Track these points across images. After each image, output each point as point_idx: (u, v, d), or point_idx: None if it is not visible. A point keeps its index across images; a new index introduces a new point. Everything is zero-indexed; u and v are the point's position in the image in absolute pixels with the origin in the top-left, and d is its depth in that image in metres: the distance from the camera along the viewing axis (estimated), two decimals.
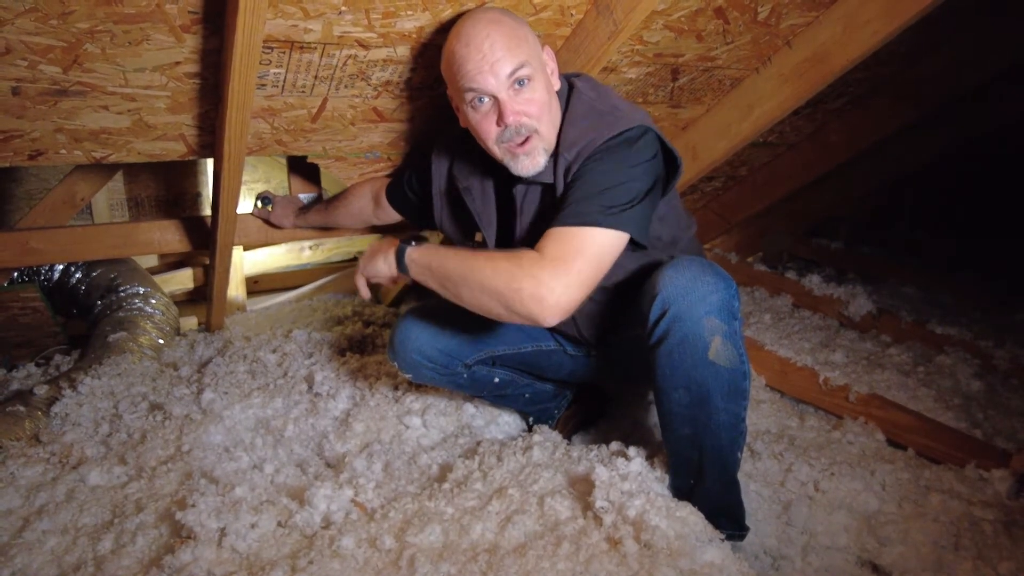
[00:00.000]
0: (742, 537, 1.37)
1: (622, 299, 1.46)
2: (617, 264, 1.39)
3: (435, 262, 1.31)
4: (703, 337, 1.21)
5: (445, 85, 1.39)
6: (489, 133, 1.31)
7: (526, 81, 1.27)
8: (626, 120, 1.29)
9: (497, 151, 1.33)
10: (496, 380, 1.70)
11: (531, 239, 1.42)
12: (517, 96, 1.27)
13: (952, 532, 1.37)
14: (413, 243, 1.37)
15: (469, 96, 1.29)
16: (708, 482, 1.32)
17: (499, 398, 1.77)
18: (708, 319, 1.20)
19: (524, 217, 1.42)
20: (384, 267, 1.40)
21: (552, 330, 1.67)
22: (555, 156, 1.33)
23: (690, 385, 1.24)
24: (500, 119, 1.28)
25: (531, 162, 1.32)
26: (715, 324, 1.21)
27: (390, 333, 1.66)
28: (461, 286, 1.27)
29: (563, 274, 1.19)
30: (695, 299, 1.21)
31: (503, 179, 1.46)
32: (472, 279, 1.25)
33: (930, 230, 3.72)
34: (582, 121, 1.32)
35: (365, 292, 1.49)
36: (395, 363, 1.63)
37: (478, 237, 1.53)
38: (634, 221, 1.25)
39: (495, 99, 1.28)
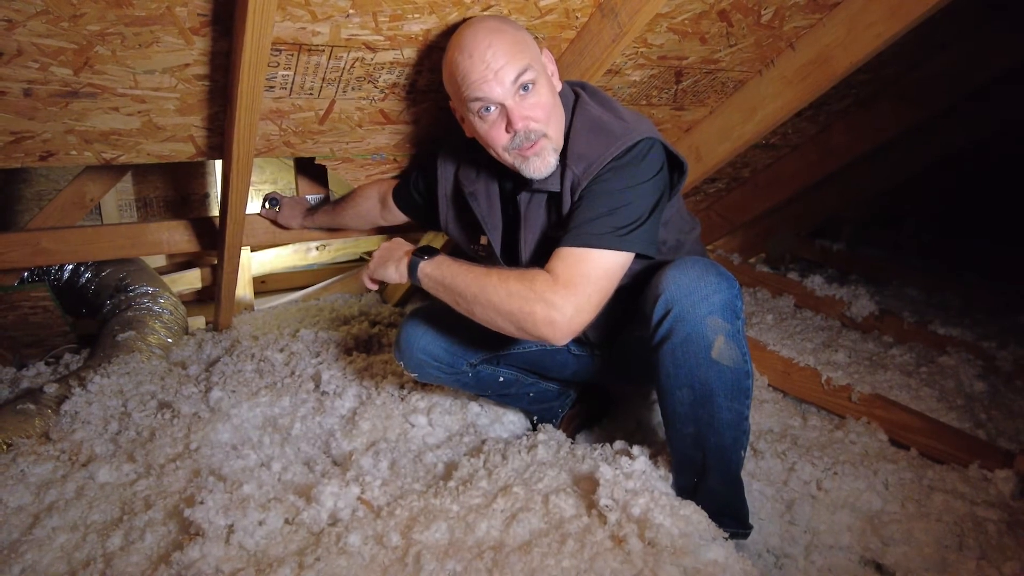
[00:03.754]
0: (746, 536, 1.37)
1: (626, 300, 1.46)
2: None
3: (448, 279, 1.33)
4: (706, 336, 1.22)
5: None
6: (499, 141, 1.31)
7: (531, 85, 1.28)
8: (632, 133, 1.29)
9: (508, 157, 1.34)
10: (501, 379, 1.72)
11: (536, 246, 1.44)
12: (523, 101, 1.28)
13: (956, 532, 1.38)
14: (426, 257, 1.38)
15: (476, 106, 1.30)
16: (711, 481, 1.33)
17: (503, 397, 1.78)
18: (711, 318, 1.21)
19: (528, 224, 1.43)
20: (395, 275, 1.42)
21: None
22: (563, 166, 1.34)
23: (693, 384, 1.25)
24: (509, 126, 1.29)
25: (542, 163, 1.32)
26: (718, 323, 1.22)
27: (396, 333, 1.67)
28: (474, 304, 1.30)
29: (574, 297, 1.22)
30: (698, 299, 1.22)
31: (509, 184, 1.47)
32: (485, 299, 1.27)
33: (933, 231, 3.71)
34: (589, 134, 1.32)
35: (371, 286, 1.52)
36: (401, 362, 1.64)
37: (483, 240, 1.55)
38: (641, 240, 1.27)
39: (502, 107, 1.28)
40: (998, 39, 2.18)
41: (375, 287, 1.53)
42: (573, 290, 1.23)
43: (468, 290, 1.30)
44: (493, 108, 1.29)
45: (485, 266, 1.32)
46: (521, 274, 1.27)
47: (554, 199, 1.38)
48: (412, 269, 1.38)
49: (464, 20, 1.40)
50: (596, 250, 1.25)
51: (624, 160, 1.28)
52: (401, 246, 1.46)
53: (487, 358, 1.67)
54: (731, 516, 1.34)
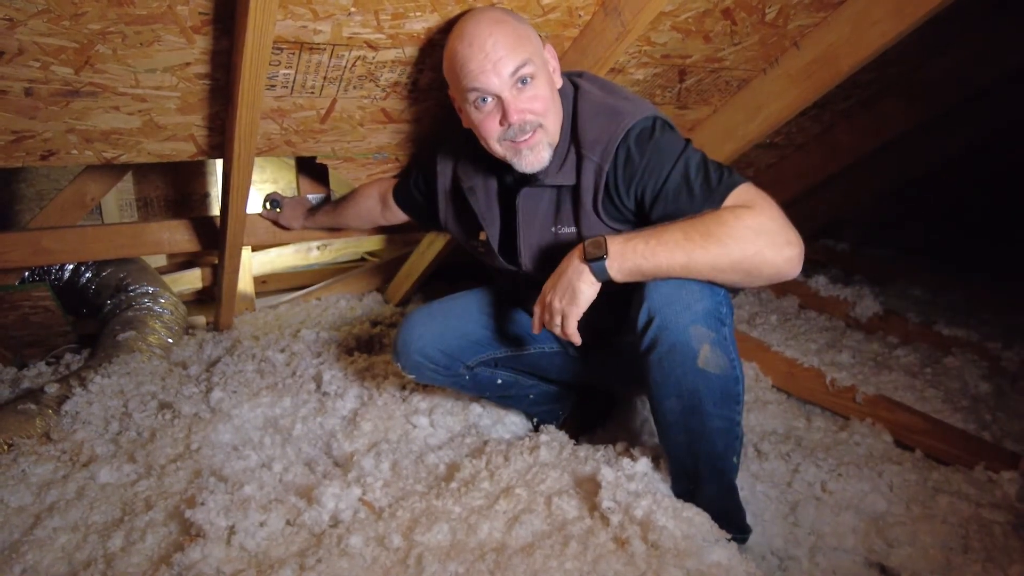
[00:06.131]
0: (744, 540, 1.37)
1: (620, 301, 1.45)
2: None
3: (642, 263, 1.19)
4: (691, 346, 1.19)
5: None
6: (492, 132, 1.31)
7: (529, 79, 1.27)
8: (640, 110, 1.29)
9: (499, 149, 1.33)
10: (499, 381, 1.71)
11: (536, 242, 1.42)
12: (520, 95, 1.27)
13: (961, 534, 1.37)
14: (604, 256, 1.20)
15: (472, 96, 1.29)
16: (706, 487, 1.31)
17: (503, 399, 1.77)
18: (694, 327, 1.19)
19: (527, 220, 1.42)
20: (589, 290, 1.23)
21: (554, 333, 1.67)
22: (578, 157, 1.32)
23: (681, 393, 1.23)
24: (504, 118, 1.28)
25: (535, 157, 1.31)
26: (702, 332, 1.19)
27: (394, 335, 1.66)
28: (691, 272, 1.18)
29: (767, 207, 1.19)
30: (680, 308, 1.19)
31: (509, 179, 1.46)
32: (701, 263, 1.16)
33: (938, 231, 3.70)
34: (596, 119, 1.31)
35: (577, 338, 1.28)
36: (398, 364, 1.63)
37: (482, 236, 1.54)
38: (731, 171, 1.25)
39: (498, 98, 1.27)
40: (1004, 39, 2.17)
41: (578, 339, 1.29)
42: (760, 204, 1.18)
43: (674, 263, 1.17)
44: (489, 99, 1.28)
45: (662, 227, 1.20)
46: (704, 220, 1.17)
47: (567, 192, 1.36)
48: (599, 271, 1.21)
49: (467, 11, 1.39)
50: (732, 190, 1.21)
51: (647, 141, 1.27)
52: (565, 267, 1.25)
53: (484, 360, 1.65)
54: (728, 521, 1.32)
